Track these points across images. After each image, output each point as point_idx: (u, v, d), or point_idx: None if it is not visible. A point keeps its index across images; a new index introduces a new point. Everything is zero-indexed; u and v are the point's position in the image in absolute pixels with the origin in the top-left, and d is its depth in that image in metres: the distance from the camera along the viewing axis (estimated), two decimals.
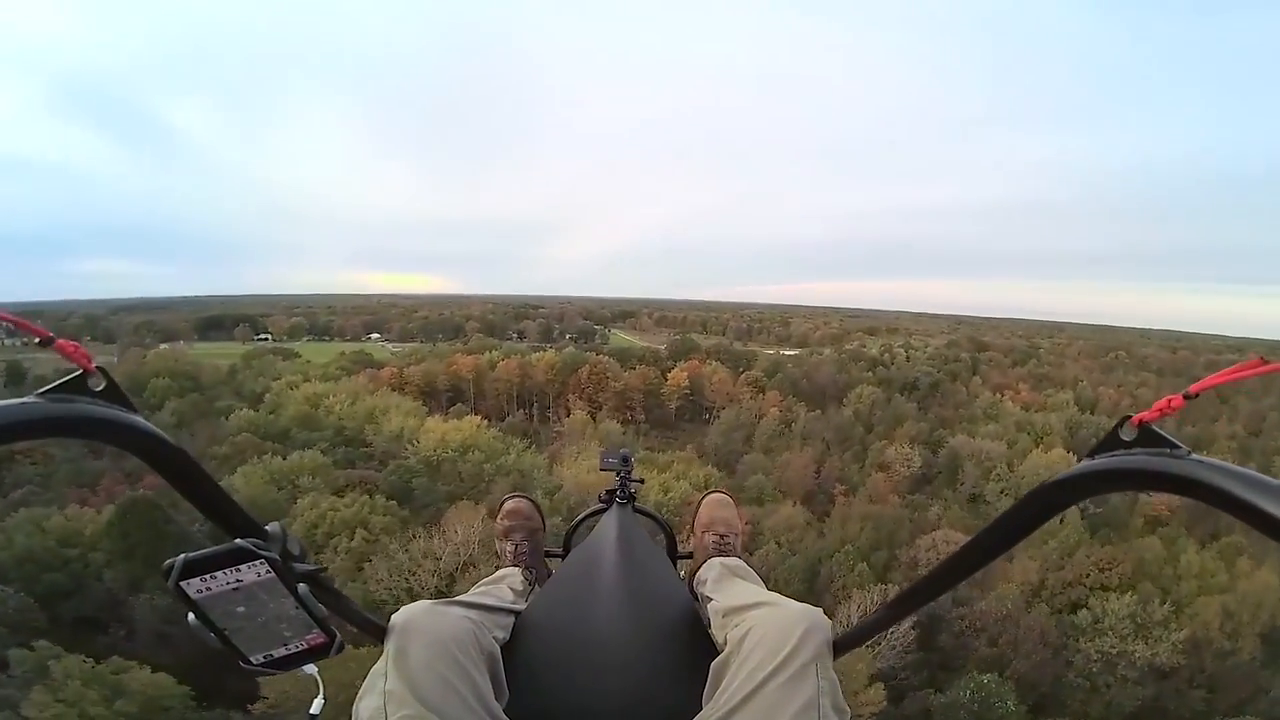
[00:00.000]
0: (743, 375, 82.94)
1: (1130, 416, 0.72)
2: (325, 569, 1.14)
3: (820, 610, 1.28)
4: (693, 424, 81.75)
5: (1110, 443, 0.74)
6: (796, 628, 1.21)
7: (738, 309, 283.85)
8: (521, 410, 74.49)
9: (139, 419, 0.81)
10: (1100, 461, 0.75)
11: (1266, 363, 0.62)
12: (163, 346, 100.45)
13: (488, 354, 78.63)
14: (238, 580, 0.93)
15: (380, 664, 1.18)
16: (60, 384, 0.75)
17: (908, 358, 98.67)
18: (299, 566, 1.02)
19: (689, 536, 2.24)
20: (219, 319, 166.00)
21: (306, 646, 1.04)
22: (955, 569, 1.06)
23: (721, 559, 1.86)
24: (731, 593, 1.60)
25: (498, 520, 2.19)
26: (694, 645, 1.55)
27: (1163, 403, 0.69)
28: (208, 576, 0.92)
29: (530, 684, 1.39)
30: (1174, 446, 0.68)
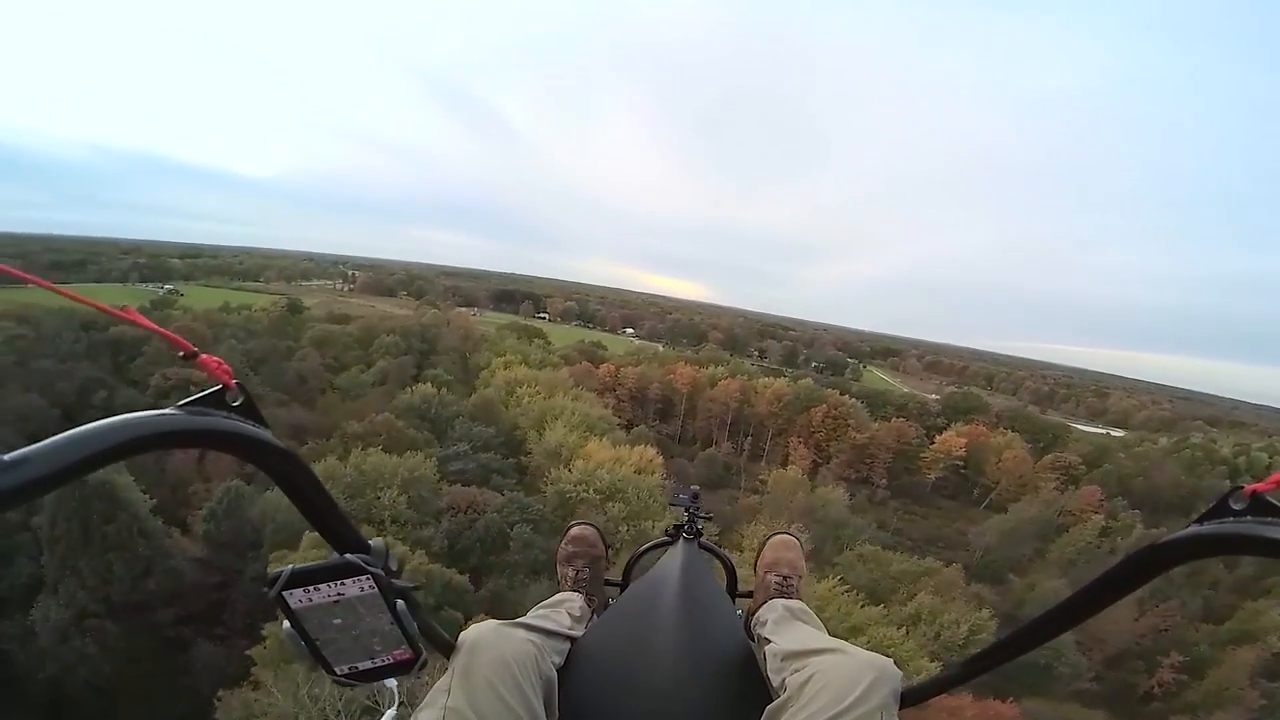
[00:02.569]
0: (1048, 457, 59.01)
1: (1243, 486, 0.72)
2: (420, 586, 1.23)
3: (891, 661, 1.24)
4: (954, 503, 61.04)
5: (1219, 510, 0.74)
6: (864, 676, 1.17)
7: (1035, 368, 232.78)
8: (731, 441, 62.24)
9: (269, 435, 0.84)
10: (1210, 527, 0.75)
11: None
12: (459, 310, 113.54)
13: (710, 369, 67.84)
14: (339, 594, 0.97)
15: (445, 680, 1.20)
16: (201, 396, 0.79)
17: (1269, 466, 64.81)
18: (398, 583, 1.04)
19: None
20: (511, 294, 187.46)
21: (392, 661, 1.08)
22: (1042, 628, 1.04)
23: (784, 601, 1.82)
24: (793, 636, 1.55)
25: (562, 545, 2.12)
26: (748, 687, 1.52)
27: (1277, 476, 0.69)
28: (311, 589, 0.96)
29: (581, 712, 1.39)
30: None
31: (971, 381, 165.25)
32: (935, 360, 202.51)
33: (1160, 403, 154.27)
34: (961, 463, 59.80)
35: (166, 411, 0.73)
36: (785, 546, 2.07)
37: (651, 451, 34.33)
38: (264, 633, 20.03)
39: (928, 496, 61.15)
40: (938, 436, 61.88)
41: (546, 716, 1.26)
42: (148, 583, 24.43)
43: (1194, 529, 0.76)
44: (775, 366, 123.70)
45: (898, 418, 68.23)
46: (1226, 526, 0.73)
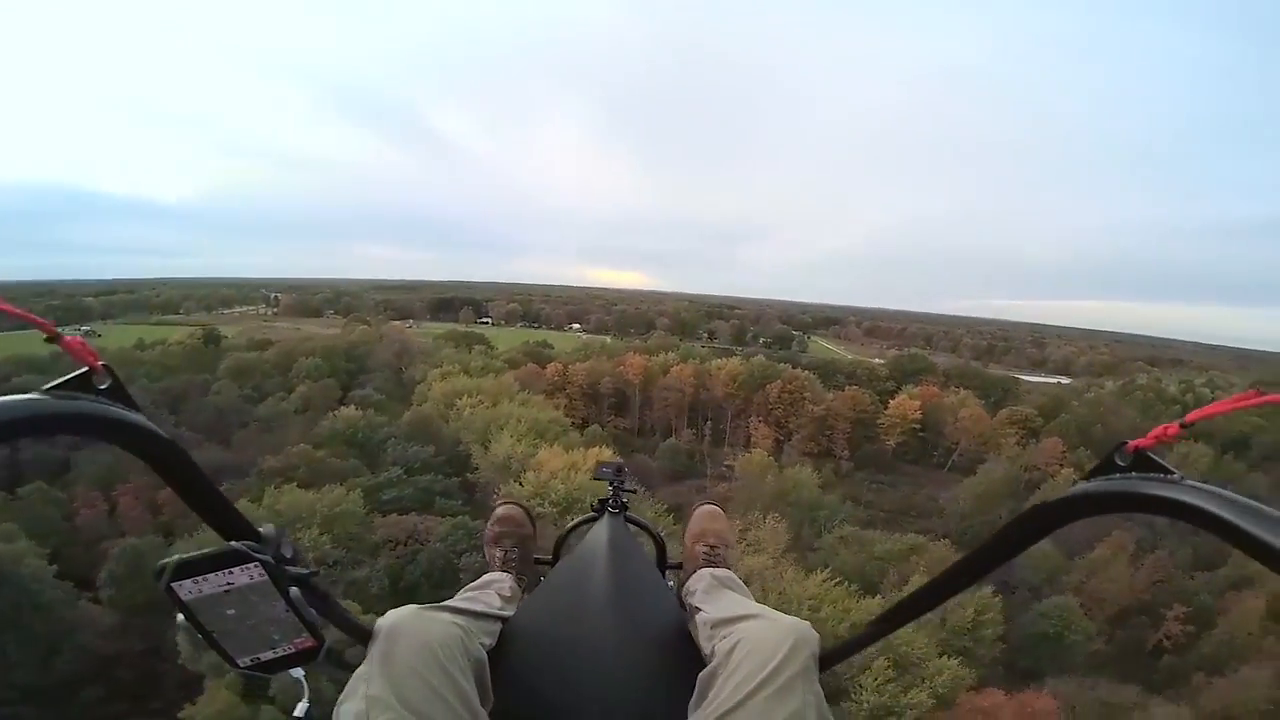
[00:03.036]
0: (1004, 411, 59.15)
1: (1126, 442, 0.73)
2: (317, 572, 1.12)
3: (809, 624, 1.28)
4: (918, 469, 60.71)
5: (1106, 467, 0.75)
6: (785, 640, 1.21)
7: (971, 325, 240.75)
8: (691, 429, 60.30)
9: (141, 418, 0.79)
10: (1095, 484, 0.76)
11: (1264, 394, 0.62)
12: (392, 324, 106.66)
13: (661, 355, 65.54)
14: (229, 583, 0.94)
15: (364, 668, 1.16)
16: (66, 380, 0.74)
17: (1214, 399, 66.00)
18: (291, 570, 1.01)
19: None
20: (449, 301, 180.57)
21: (295, 650, 1.04)
22: (943, 587, 1.07)
23: (712, 570, 1.84)
24: (721, 604, 1.58)
25: (488, 525, 2.11)
26: (682, 655, 1.53)
27: (1159, 430, 0.71)
28: (200, 579, 0.92)
29: (517, 691, 1.38)
30: (1168, 472, 0.69)
31: (911, 343, 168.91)
32: (874, 325, 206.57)
33: (1098, 348, 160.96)
34: (919, 426, 59.39)
35: (28, 396, 0.69)
36: (711, 517, 2.09)
37: (608, 453, 31.62)
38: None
39: (891, 463, 60.55)
40: (891, 401, 61.27)
41: (480, 698, 1.23)
42: (57, 662, 21.64)
43: (1081, 486, 0.77)
44: (726, 346, 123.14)
45: (851, 387, 68.17)
46: (1112, 484, 0.73)
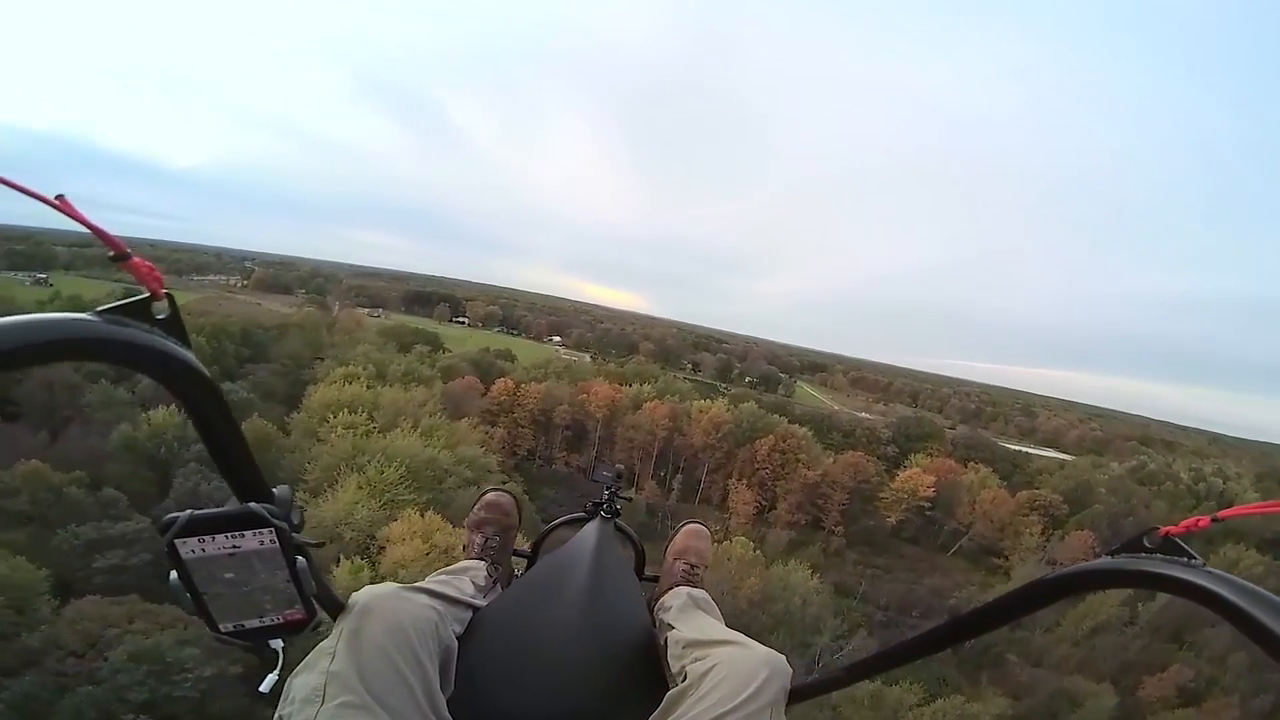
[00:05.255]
0: (1023, 494, 49.01)
1: (1158, 528, 0.76)
2: (322, 544, 1.09)
3: (783, 657, 1.26)
4: (918, 550, 50.30)
5: (1132, 546, 0.78)
6: (760, 671, 1.19)
7: (957, 385, 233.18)
8: (658, 479, 48.96)
9: (191, 357, 0.74)
10: (1119, 560, 0.78)
11: None
12: (354, 310, 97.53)
13: (634, 387, 54.40)
14: (235, 546, 0.87)
15: (329, 642, 1.09)
16: (121, 304, 0.68)
17: (1223, 493, 59.57)
18: (298, 538, 0.95)
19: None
20: (426, 295, 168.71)
21: (282, 621, 0.98)
22: (934, 640, 1.06)
23: (689, 589, 1.82)
24: (694, 625, 1.56)
25: (474, 509, 2.02)
26: (648, 670, 1.52)
27: (1190, 521, 0.74)
28: (206, 538, 0.86)
29: (478, 682, 1.33)
30: (1191, 557, 0.72)
31: (896, 398, 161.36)
32: (861, 376, 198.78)
33: (1088, 422, 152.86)
34: (929, 504, 48.95)
35: (81, 316, 0.63)
36: (696, 535, 2.08)
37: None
38: None
39: (888, 542, 50.19)
40: (899, 473, 50.93)
41: (443, 684, 1.19)
42: None
43: (1105, 560, 0.80)
44: (710, 381, 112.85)
45: (846, 446, 57.96)
46: (1139, 562, 0.76)
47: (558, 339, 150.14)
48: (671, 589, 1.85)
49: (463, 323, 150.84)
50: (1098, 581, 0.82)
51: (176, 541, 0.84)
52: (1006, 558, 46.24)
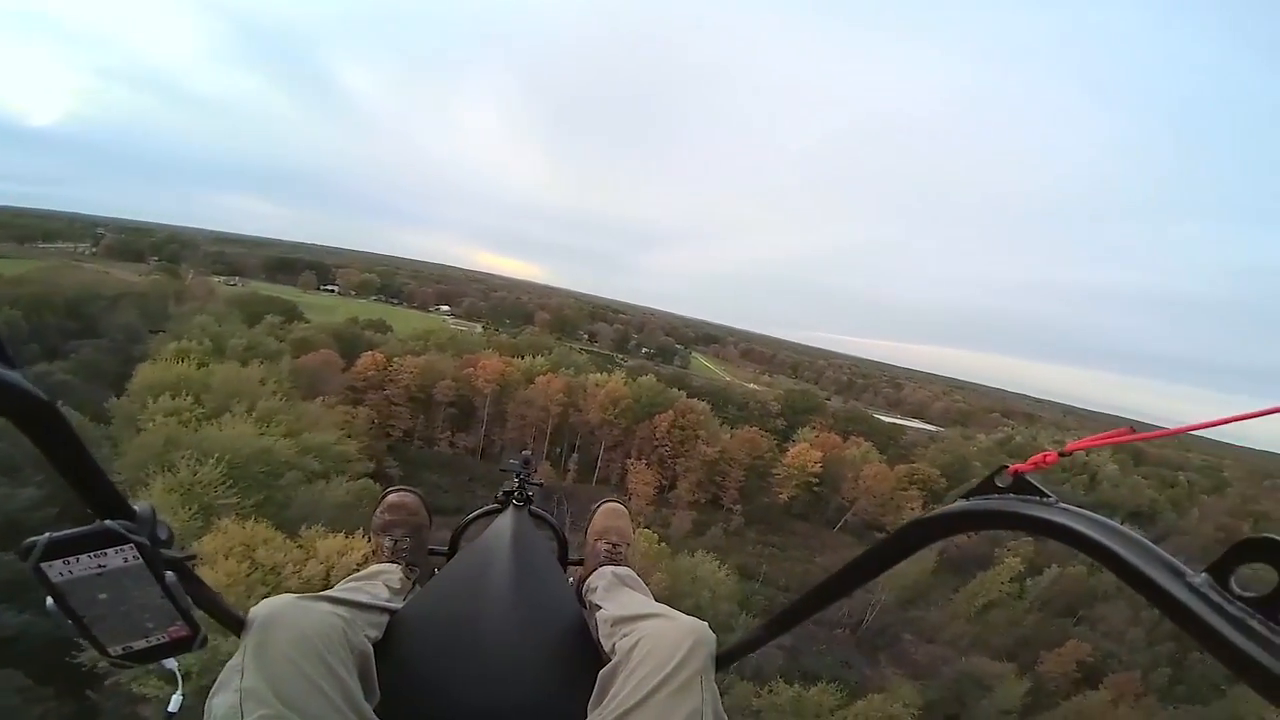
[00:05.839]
0: (901, 468, 50.84)
1: (1007, 466, 0.77)
2: (194, 556, 1.05)
3: (706, 624, 1.28)
4: (808, 527, 51.21)
5: (985, 488, 0.79)
6: (685, 640, 1.21)
7: (832, 358, 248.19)
8: (551, 460, 45.76)
9: (19, 378, 0.69)
10: (974, 503, 0.79)
11: (1135, 432, 0.68)
12: (206, 279, 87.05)
13: (529, 359, 50.49)
14: (101, 565, 0.85)
15: (236, 659, 1.06)
16: None
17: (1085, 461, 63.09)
18: (167, 553, 0.93)
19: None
20: (290, 262, 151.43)
21: (169, 639, 0.96)
22: (828, 592, 1.11)
23: (613, 568, 1.81)
24: (621, 602, 1.55)
25: (377, 512, 1.95)
26: (581, 653, 1.49)
27: (1038, 457, 0.74)
28: (71, 559, 0.83)
29: (404, 685, 1.28)
30: (1044, 495, 0.73)
31: (780, 369, 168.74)
32: (750, 349, 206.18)
33: (952, 394, 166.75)
34: (817, 480, 49.63)
35: None
36: (615, 515, 2.07)
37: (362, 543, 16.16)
38: None
39: (782, 519, 50.47)
40: (789, 449, 51.21)
41: (364, 692, 1.15)
42: None
43: (960, 503, 0.81)
44: (606, 352, 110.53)
45: (740, 420, 57.89)
46: (991, 503, 0.77)
47: (446, 308, 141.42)
48: (596, 570, 1.82)
49: (332, 290, 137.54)
50: (957, 525, 0.82)
51: (43, 565, 0.82)
52: (886, 530, 48.24)
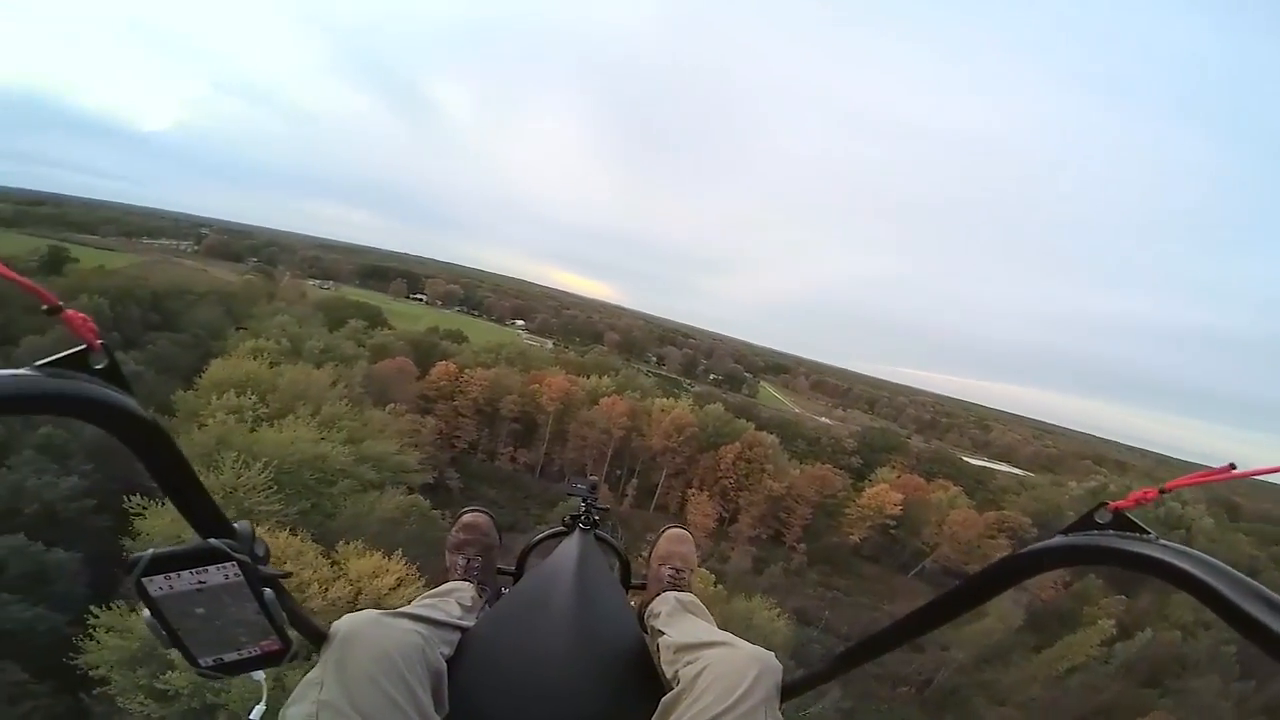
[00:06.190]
0: (991, 514, 46.17)
1: (1107, 502, 0.76)
2: (289, 574, 1.09)
3: (772, 654, 1.27)
4: (879, 570, 47.37)
5: (1084, 524, 0.77)
6: (750, 670, 1.20)
7: (912, 394, 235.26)
8: (610, 483, 44.38)
9: (133, 403, 0.74)
10: (1075, 538, 0.78)
11: (1235, 470, 0.65)
12: (298, 281, 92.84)
13: (593, 379, 49.66)
14: (201, 581, 0.89)
15: (316, 673, 1.09)
16: (61, 357, 0.69)
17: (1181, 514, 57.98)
18: (264, 570, 0.97)
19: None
20: (383, 270, 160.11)
21: (261, 652, 1.00)
22: (910, 627, 1.07)
23: (676, 593, 1.82)
24: (684, 629, 1.55)
25: (452, 532, 2.03)
26: (642, 678, 1.51)
27: (1139, 494, 0.74)
28: (173, 575, 0.88)
29: (472, 703, 1.32)
30: (1144, 532, 0.72)
31: (854, 404, 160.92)
32: (822, 381, 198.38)
33: (1040, 437, 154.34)
34: (894, 522, 45.82)
35: (20, 372, 0.64)
36: (679, 540, 2.06)
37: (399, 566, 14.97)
38: None
39: (850, 561, 46.93)
40: (865, 487, 47.66)
41: (435, 709, 1.17)
42: None
43: (1060, 539, 0.80)
44: (673, 375, 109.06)
45: (810, 454, 54.67)
46: (1091, 539, 0.75)
47: (520, 323, 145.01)
48: (659, 595, 1.83)
49: (420, 300, 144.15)
50: (1056, 559, 0.81)
51: (144, 580, 0.86)
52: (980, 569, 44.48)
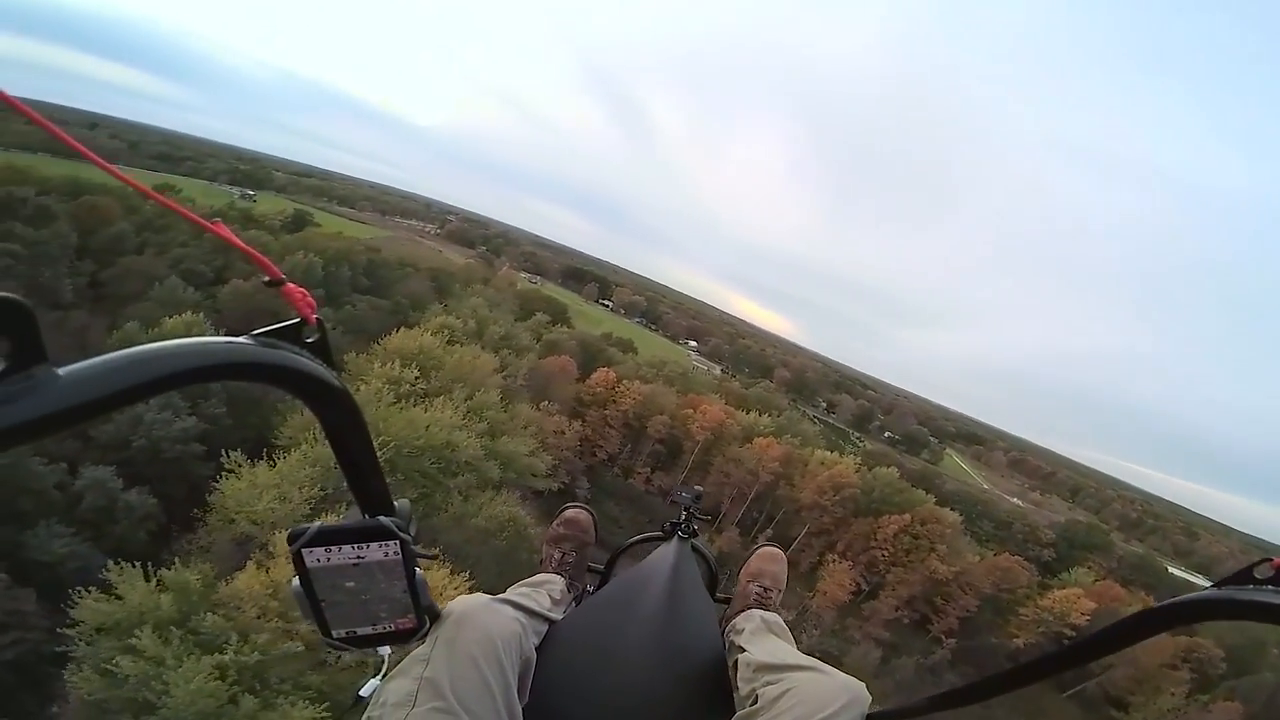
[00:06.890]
0: (1181, 639, 36.62)
1: (1271, 559, 0.70)
2: (437, 556, 1.17)
3: (863, 685, 1.23)
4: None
5: (1241, 578, 0.73)
6: (837, 697, 1.16)
7: (1120, 488, 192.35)
8: (741, 527, 41.39)
9: (336, 379, 0.76)
10: (1229, 591, 0.73)
11: None
12: (512, 271, 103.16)
13: (753, 414, 47.04)
14: (360, 556, 0.90)
15: (424, 649, 1.12)
16: (276, 329, 0.70)
17: None
18: (419, 551, 0.98)
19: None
20: (582, 273, 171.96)
21: (395, 629, 1.02)
22: (1031, 672, 1.02)
23: (762, 612, 1.79)
24: (767, 649, 1.51)
25: (553, 524, 2.06)
26: (717, 691, 1.49)
27: None
28: (333, 548, 0.89)
29: (553, 695, 1.34)
30: None
31: (1057, 490, 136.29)
32: (1021, 458, 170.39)
33: (1249, 554, 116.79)
34: (1074, 632, 37.05)
35: (239, 340, 0.66)
36: (772, 559, 2.04)
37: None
38: None
39: (1000, 666, 37.63)
40: (1055, 588, 39.56)
41: (520, 695, 1.22)
42: None
43: (1214, 592, 0.75)
44: (842, 426, 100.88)
45: (995, 539, 47.29)
46: (1248, 593, 0.70)
47: (693, 344, 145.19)
48: (744, 611, 1.82)
49: (607, 305, 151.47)
50: (1207, 611, 0.76)
51: (303, 550, 0.87)
52: (1128, 712, 35.36)
